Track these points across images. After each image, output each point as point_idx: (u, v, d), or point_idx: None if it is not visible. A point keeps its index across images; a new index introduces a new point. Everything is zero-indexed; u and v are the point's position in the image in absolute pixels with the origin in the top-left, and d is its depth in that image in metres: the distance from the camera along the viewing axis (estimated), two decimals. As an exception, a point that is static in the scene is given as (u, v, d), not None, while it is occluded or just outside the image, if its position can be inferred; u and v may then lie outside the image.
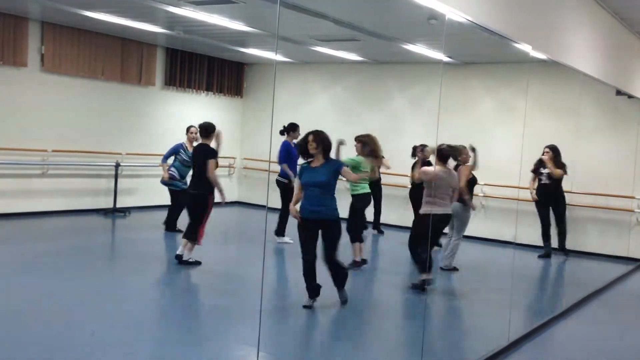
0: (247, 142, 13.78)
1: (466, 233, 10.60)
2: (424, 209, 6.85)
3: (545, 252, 9.50)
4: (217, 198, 7.45)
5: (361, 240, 7.85)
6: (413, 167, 8.76)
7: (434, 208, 6.71)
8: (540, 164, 9.46)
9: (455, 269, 8.00)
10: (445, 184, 6.89)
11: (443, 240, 8.38)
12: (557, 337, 6.04)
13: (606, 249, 9.98)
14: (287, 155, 8.92)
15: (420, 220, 7.08)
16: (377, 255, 9.62)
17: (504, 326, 5.56)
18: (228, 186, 13.70)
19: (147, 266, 7.35)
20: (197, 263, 7.37)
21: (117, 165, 11.02)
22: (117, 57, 11.26)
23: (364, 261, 7.87)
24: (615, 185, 9.93)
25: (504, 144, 10.50)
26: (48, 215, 10.30)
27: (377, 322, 6.01)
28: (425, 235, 6.51)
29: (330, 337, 5.57)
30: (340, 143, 6.93)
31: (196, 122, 12.72)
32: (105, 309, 5.61)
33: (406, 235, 7.43)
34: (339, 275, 6.03)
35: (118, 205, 10.98)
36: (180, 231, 8.57)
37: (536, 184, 9.61)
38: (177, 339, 4.96)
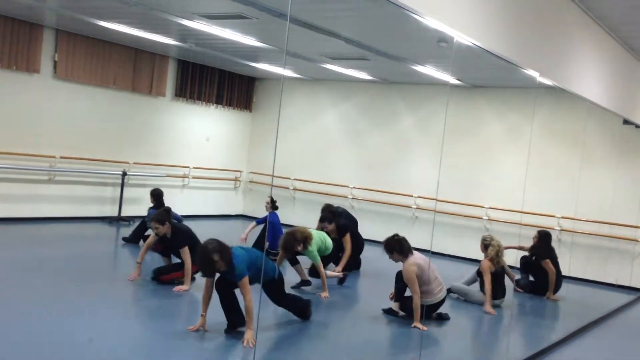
0: (254, 156, 13.84)
1: (468, 255, 10.60)
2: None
3: (522, 284, 8.74)
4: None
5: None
6: None
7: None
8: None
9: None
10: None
11: None
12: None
13: (608, 278, 9.94)
14: None
15: None
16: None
17: (502, 352, 5.54)
18: (233, 199, 13.81)
19: (145, 277, 7.34)
20: None
21: (124, 174, 11.09)
22: (129, 67, 11.38)
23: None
24: (619, 214, 9.90)
25: (510, 167, 10.53)
26: (53, 221, 10.35)
27: (372, 342, 6.00)
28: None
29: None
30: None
31: (205, 134, 12.97)
32: (98, 317, 5.62)
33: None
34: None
35: (123, 214, 11.03)
36: None
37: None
38: (168, 351, 4.97)
